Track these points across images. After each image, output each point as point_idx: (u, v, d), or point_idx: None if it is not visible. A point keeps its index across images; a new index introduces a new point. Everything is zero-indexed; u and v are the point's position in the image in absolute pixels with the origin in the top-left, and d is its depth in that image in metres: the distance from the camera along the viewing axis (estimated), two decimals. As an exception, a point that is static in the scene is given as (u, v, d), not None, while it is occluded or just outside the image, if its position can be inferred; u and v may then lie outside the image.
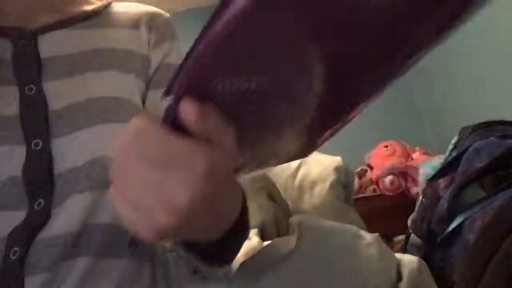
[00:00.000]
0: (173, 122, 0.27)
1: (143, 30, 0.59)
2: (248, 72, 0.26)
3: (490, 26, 1.49)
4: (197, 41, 0.24)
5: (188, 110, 0.26)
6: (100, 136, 0.48)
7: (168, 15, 0.63)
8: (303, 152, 0.39)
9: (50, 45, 0.52)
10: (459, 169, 0.87)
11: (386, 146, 1.96)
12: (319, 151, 1.46)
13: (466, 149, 0.87)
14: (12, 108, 0.47)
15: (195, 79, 0.25)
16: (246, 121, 0.30)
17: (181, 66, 0.25)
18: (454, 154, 0.94)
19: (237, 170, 0.34)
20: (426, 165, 1.17)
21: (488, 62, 1.62)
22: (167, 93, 0.27)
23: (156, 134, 0.27)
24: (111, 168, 0.29)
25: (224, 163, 0.28)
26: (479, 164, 0.81)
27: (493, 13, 1.51)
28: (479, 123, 0.97)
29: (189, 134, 0.27)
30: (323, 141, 0.38)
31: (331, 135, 0.37)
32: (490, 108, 1.62)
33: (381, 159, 1.91)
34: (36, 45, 0.51)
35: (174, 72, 0.26)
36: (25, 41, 0.51)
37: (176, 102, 0.26)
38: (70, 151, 0.46)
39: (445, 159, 0.99)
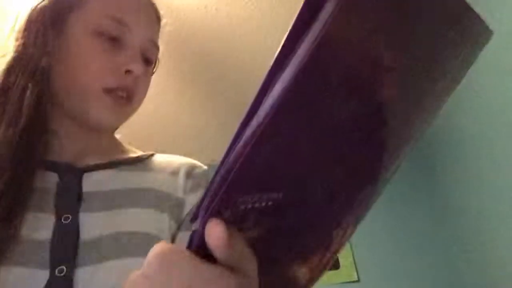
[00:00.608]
0: (197, 249, 0.27)
1: (181, 176, 0.62)
2: (271, 188, 0.26)
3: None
4: (219, 167, 0.25)
5: (215, 235, 0.25)
6: (125, 270, 0.47)
7: (206, 167, 0.67)
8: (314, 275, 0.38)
9: (93, 182, 0.55)
10: None
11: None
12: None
13: None
14: (44, 233, 0.49)
15: (219, 202, 0.25)
16: (266, 244, 0.30)
17: (206, 192, 0.26)
18: None
19: None
20: None
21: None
22: (194, 218, 0.27)
23: (182, 259, 0.26)
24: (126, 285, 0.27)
25: None
26: None
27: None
28: None
29: (213, 262, 0.26)
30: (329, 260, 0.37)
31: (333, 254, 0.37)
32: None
33: None
34: (80, 181, 0.55)
35: (200, 198, 0.26)
36: (71, 176, 0.55)
37: (203, 226, 0.26)
38: (92, 281, 0.47)
39: None
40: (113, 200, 0.55)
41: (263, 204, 0.27)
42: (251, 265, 0.28)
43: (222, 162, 0.25)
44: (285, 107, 0.22)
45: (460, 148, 2.01)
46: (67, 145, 0.58)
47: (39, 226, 0.49)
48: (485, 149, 1.70)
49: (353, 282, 2.53)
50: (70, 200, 0.52)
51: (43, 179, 0.52)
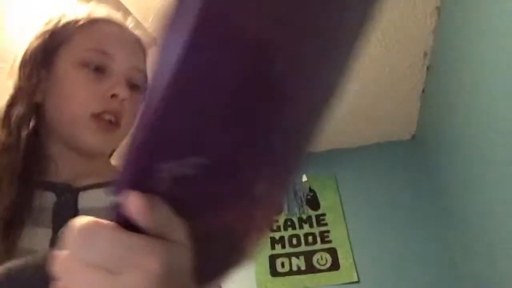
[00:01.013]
0: (122, 222, 0.26)
1: None
2: (186, 154, 0.26)
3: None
4: (130, 139, 0.24)
5: (135, 204, 0.25)
6: None
7: None
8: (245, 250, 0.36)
9: (88, 199, 0.59)
10: None
11: None
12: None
13: None
14: (42, 245, 0.52)
15: (136, 172, 0.25)
16: (195, 212, 0.29)
17: (122, 165, 0.25)
18: None
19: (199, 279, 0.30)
20: None
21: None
22: (114, 192, 0.26)
23: (105, 230, 0.26)
24: (54, 268, 0.26)
25: (180, 261, 0.27)
26: None
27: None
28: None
29: (140, 234, 0.26)
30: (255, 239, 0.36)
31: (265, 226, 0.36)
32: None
33: None
34: (76, 199, 0.59)
35: (117, 172, 0.26)
36: (68, 195, 0.59)
37: (122, 199, 0.25)
38: None
39: None
40: (108, 215, 0.56)
41: (186, 171, 0.26)
42: (179, 233, 0.27)
43: (133, 134, 0.24)
44: (181, 72, 0.22)
45: (461, 148, 2.01)
46: (62, 169, 0.63)
47: (37, 239, 0.53)
48: (486, 149, 1.71)
49: (353, 283, 2.53)
50: (67, 216, 0.55)
51: (42, 198, 0.57)
